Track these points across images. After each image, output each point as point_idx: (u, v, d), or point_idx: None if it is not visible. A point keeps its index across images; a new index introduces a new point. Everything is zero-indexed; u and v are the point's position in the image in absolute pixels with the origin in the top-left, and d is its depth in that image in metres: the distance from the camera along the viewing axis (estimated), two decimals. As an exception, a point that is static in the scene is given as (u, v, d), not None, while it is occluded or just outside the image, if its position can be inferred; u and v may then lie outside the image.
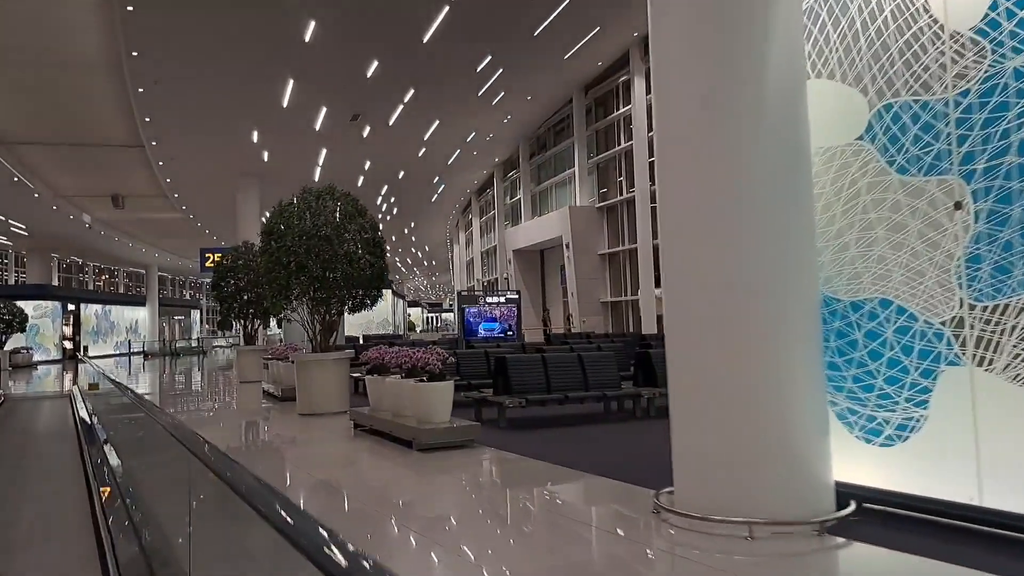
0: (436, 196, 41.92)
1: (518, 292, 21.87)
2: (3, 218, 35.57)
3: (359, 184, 35.17)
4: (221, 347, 55.95)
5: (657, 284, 24.42)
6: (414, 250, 65.04)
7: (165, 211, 37.55)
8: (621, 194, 26.69)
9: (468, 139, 31.11)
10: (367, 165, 31.98)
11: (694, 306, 4.92)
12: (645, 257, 24.51)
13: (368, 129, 27.29)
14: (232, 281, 18.92)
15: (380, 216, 43.13)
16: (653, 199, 24.60)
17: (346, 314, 11.92)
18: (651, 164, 24.67)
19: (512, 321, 19.63)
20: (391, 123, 27.00)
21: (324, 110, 24.77)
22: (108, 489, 6.23)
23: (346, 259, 11.15)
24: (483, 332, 19.50)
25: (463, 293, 22.46)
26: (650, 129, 24.55)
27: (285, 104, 23.74)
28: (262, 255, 11.67)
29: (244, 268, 18.92)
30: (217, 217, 38.38)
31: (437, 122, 27.78)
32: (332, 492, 6.49)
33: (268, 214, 11.82)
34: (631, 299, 26.43)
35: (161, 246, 49.58)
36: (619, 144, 26.88)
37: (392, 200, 40.01)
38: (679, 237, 5.06)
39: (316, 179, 32.82)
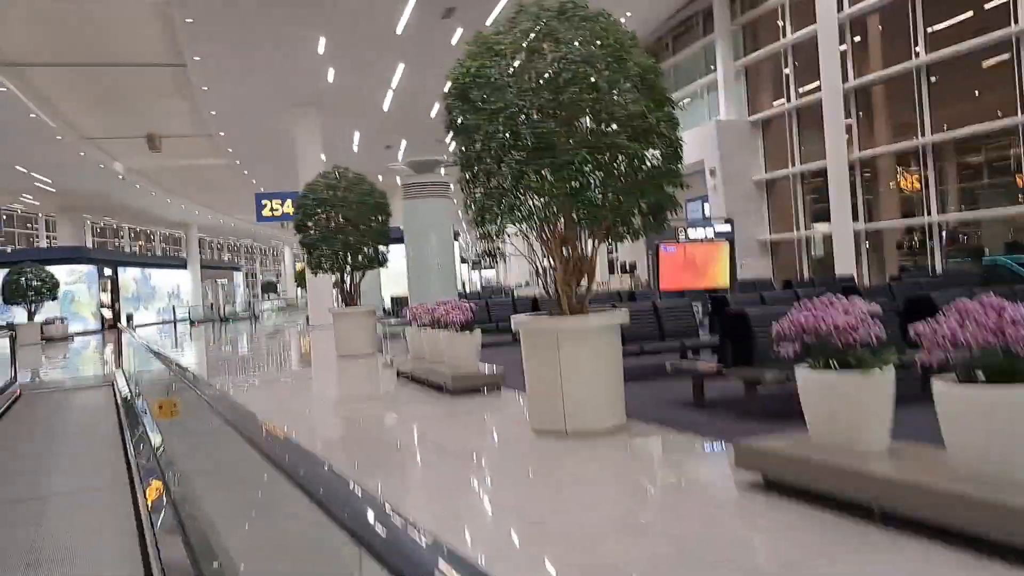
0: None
1: (729, 221, 16.28)
2: (23, 170, 30.68)
3: (432, 115, 29.64)
4: (269, 311, 51.33)
5: (855, 215, 18.71)
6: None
7: (207, 155, 32.41)
8: (790, 100, 20.81)
9: (573, 48, 25.24)
10: (446, 86, 26.24)
11: None
12: (839, 179, 18.72)
13: (459, 32, 21.59)
14: (322, 217, 13.61)
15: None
16: (848, 99, 18.75)
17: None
18: (845, 53, 18.77)
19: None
20: (488, 22, 21.30)
21: (412, 2, 19.13)
22: None
23: (635, 129, 5.63)
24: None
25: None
26: (842, 7, 18.57)
27: (364, -8, 18.18)
28: (453, 132, 6.24)
29: (339, 202, 13.60)
30: (267, 163, 33.14)
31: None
32: None
33: (462, 57, 6.28)
34: (808, 235, 20.73)
35: (201, 201, 44.66)
36: (784, 36, 20.91)
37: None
38: None
39: (385, 107, 27.36)
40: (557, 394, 5.81)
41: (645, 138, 5.76)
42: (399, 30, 20.53)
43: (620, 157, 5.70)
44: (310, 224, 13.79)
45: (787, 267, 21.37)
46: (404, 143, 32.55)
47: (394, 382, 10.07)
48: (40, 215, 46.06)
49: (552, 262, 6.14)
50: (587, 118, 5.67)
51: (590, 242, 6.17)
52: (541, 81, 5.60)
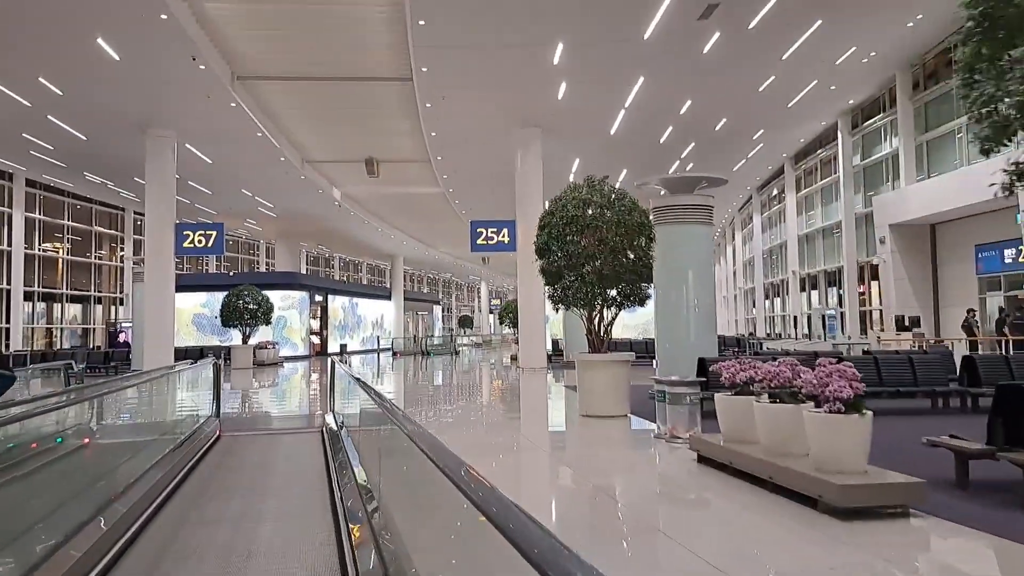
0: (743, 162, 32.45)
1: None
2: (248, 193, 31.29)
3: (662, 140, 26.73)
4: (467, 347, 50.25)
5: None
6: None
7: (421, 184, 31.52)
8: None
9: (840, 60, 21.39)
10: (685, 106, 23.28)
11: None
12: None
13: (715, 37, 18.57)
14: (571, 239, 10.93)
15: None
16: None
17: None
18: None
19: None
20: (752, 25, 18.11)
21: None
22: None
23: None
24: None
25: None
26: None
27: (615, -13, 15.67)
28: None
29: (593, 221, 10.88)
30: (480, 191, 31.75)
31: (818, 22, 18.45)
32: None
33: None
34: None
35: (409, 231, 44.58)
36: None
37: (688, 168, 31.05)
38: None
39: (612, 131, 24.80)
40: None
41: None
42: (647, 34, 17.85)
43: None
44: (555, 247, 11.20)
45: None
46: (624, 172, 29.87)
47: (691, 469, 7.02)
48: (261, 241, 48.10)
49: None
50: None
51: None
52: None
